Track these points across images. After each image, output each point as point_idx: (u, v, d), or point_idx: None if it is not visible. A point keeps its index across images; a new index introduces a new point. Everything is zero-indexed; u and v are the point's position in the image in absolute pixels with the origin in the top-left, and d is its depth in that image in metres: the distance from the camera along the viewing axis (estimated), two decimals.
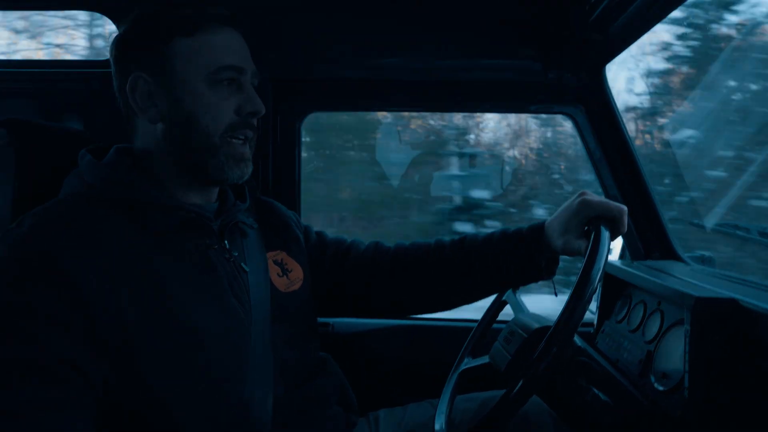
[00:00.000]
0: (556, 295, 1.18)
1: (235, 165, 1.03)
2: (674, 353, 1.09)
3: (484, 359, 1.27)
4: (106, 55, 1.74)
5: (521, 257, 1.19)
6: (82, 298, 0.82)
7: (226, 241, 1.06)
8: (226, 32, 1.03)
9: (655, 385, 1.10)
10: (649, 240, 1.62)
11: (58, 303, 0.81)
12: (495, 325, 1.38)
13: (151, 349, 0.87)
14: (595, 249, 0.96)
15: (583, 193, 1.12)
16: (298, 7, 1.57)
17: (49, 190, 1.03)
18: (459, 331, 1.74)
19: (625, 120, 1.62)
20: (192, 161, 1.02)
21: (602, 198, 1.11)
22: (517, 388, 0.87)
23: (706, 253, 1.58)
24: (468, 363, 1.32)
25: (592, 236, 1.00)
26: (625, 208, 1.09)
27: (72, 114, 1.75)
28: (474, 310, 1.50)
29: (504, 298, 1.35)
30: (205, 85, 1.00)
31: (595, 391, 0.98)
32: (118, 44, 1.04)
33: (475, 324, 1.39)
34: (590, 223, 1.09)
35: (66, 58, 2.03)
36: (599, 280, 0.91)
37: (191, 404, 0.90)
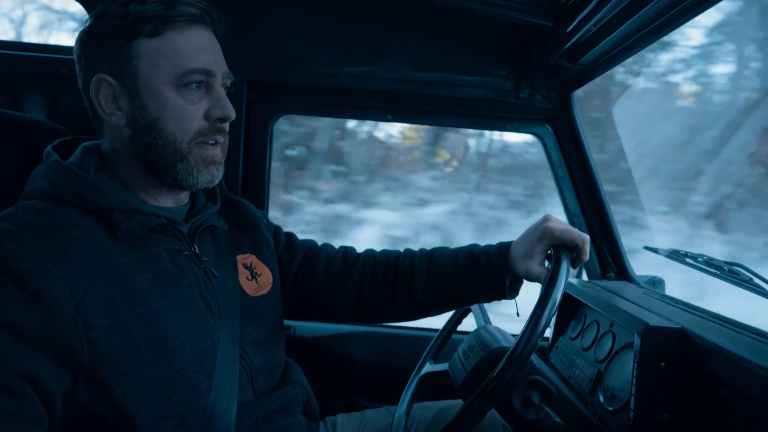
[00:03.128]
0: (518, 315, 1.22)
1: (205, 169, 1.00)
2: (623, 374, 1.15)
3: (444, 366, 1.30)
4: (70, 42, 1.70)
5: (489, 279, 1.21)
6: (47, 308, 0.79)
7: (195, 246, 1.04)
8: (195, 32, 0.97)
9: (604, 404, 1.15)
10: (606, 261, 1.70)
11: (22, 314, 0.78)
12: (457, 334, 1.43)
13: (117, 358, 0.85)
14: (554, 278, 0.98)
15: (547, 219, 1.13)
16: (277, 11, 1.57)
17: (9, 184, 1.00)
18: (420, 339, 1.78)
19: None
20: (159, 167, 0.98)
21: (566, 225, 1.12)
22: (476, 403, 0.91)
23: (657, 277, 1.66)
24: (429, 368, 1.35)
25: (552, 263, 1.03)
26: (587, 237, 1.10)
27: (35, 101, 1.69)
28: (436, 319, 1.53)
29: (468, 306, 1.38)
30: (172, 90, 0.95)
31: (548, 410, 1.02)
32: (82, 40, 0.98)
33: (436, 333, 1.42)
34: (554, 249, 1.11)
35: (31, 41, 1.94)
36: (556, 307, 0.94)
37: (154, 411, 0.89)
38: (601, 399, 1.17)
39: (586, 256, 1.10)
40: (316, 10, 1.58)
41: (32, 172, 0.99)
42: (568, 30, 1.27)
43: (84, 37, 0.97)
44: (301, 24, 1.60)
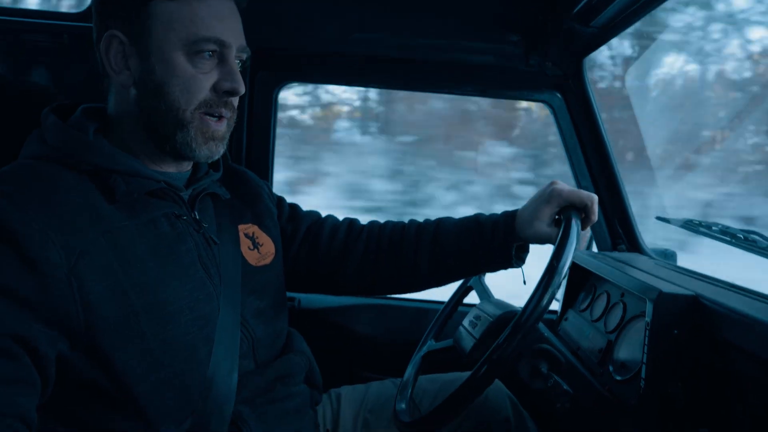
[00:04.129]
0: (525, 283, 1.20)
1: (203, 143, 0.97)
2: (633, 345, 1.13)
3: (448, 342, 1.29)
4: (81, 7, 1.67)
5: (494, 246, 1.19)
6: (42, 271, 0.78)
7: (196, 212, 1.02)
8: (216, 0, 0.95)
9: (614, 374, 1.13)
10: (617, 232, 1.66)
11: (16, 276, 0.76)
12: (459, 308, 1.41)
13: (115, 323, 0.83)
14: (565, 237, 0.97)
15: (554, 183, 1.12)
16: None
17: (10, 150, 0.98)
18: (424, 311, 1.76)
19: None
20: (160, 132, 0.96)
21: (573, 187, 1.11)
22: (482, 371, 0.89)
23: (669, 249, 1.62)
24: (431, 346, 1.34)
25: (563, 225, 1.01)
26: (595, 196, 1.09)
27: (40, 68, 1.67)
28: (440, 291, 1.52)
29: (470, 283, 1.36)
30: (182, 55, 0.92)
31: (556, 378, 1.00)
32: None
33: (441, 306, 1.41)
34: (561, 212, 1.10)
35: (35, 8, 1.92)
36: (567, 268, 0.92)
37: (153, 379, 0.87)
38: (611, 369, 1.15)
39: (595, 216, 1.09)
40: None
41: (30, 134, 0.96)
42: None
43: None
44: None
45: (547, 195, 1.11)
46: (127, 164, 0.93)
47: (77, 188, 0.87)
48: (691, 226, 1.36)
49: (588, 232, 1.71)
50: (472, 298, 1.39)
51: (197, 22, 0.92)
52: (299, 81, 1.77)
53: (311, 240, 1.30)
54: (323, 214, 1.38)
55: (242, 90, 0.98)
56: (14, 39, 1.64)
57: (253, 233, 1.18)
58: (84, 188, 0.88)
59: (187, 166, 1.08)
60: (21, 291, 0.76)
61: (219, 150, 1.01)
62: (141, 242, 0.90)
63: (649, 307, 1.03)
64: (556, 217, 1.12)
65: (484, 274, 1.35)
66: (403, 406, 1.18)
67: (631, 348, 1.13)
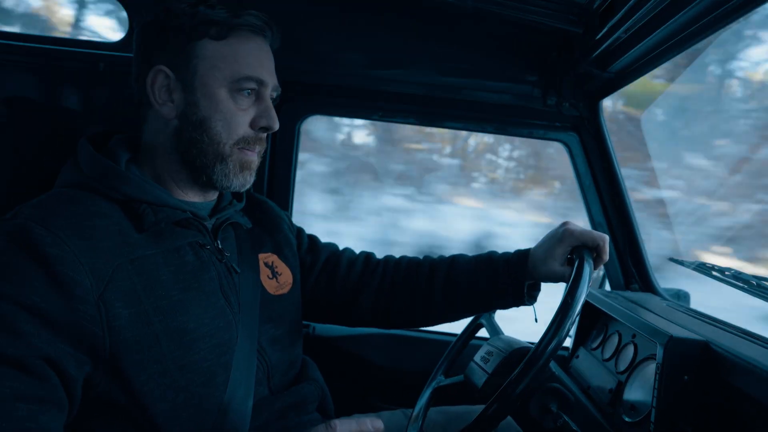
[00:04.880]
0: (536, 321, 1.21)
1: (240, 173, 1.03)
2: (644, 386, 1.13)
3: (458, 378, 1.30)
4: (115, 38, 1.74)
5: (507, 283, 1.21)
6: (71, 294, 0.81)
7: (219, 241, 1.06)
8: (256, 42, 1.03)
9: (623, 416, 1.13)
10: (630, 271, 1.67)
11: (47, 298, 0.80)
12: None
13: (137, 346, 0.87)
14: (578, 276, 0.98)
15: (566, 223, 1.15)
16: (307, 13, 1.59)
17: (44, 169, 1.03)
18: (437, 343, 1.78)
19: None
20: (198, 163, 1.01)
21: (585, 228, 1.14)
22: (495, 406, 0.89)
23: (682, 290, 1.63)
24: (440, 381, 1.35)
25: (576, 264, 1.03)
26: (606, 237, 1.12)
27: (75, 94, 1.74)
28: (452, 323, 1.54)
29: (480, 320, 1.38)
30: (226, 92, 0.99)
31: (566, 418, 1.01)
32: (145, 31, 1.02)
33: (453, 338, 1.42)
34: (573, 252, 1.12)
35: (72, 37, 2.00)
36: (580, 307, 0.94)
37: (171, 402, 0.90)
38: (621, 411, 1.16)
39: (607, 256, 1.12)
40: (346, 12, 1.60)
41: (67, 162, 1.01)
42: (597, 37, 1.26)
43: (149, 28, 1.01)
44: (331, 26, 1.62)
45: (560, 235, 1.14)
46: (156, 195, 0.98)
47: (108, 216, 0.92)
48: (704, 269, 1.37)
49: (600, 270, 1.72)
50: (482, 333, 1.41)
51: (240, 62, 0.99)
52: (322, 114, 1.82)
53: (329, 271, 1.33)
54: (340, 246, 1.42)
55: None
56: (50, 65, 1.72)
57: (272, 262, 1.21)
58: (115, 216, 0.93)
59: (212, 196, 1.13)
60: (51, 313, 0.80)
61: (250, 180, 1.07)
62: (166, 270, 0.94)
63: (659, 351, 1.05)
64: (569, 256, 1.14)
65: (495, 311, 1.37)
66: None
67: (641, 390, 1.14)
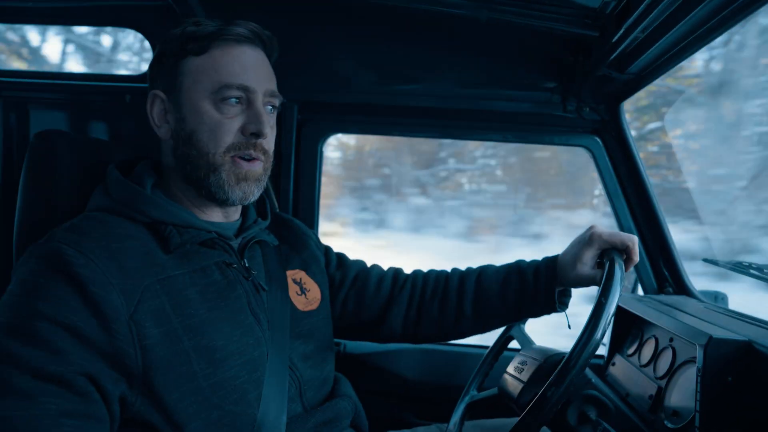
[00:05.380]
0: (569, 327, 1.19)
1: (236, 184, 1.02)
2: (685, 391, 1.10)
3: (491, 392, 1.28)
4: (139, 70, 1.81)
5: (537, 291, 1.20)
6: (104, 314, 0.83)
7: (245, 260, 1.07)
8: (240, 50, 1.02)
9: (665, 422, 1.10)
10: (663, 274, 1.63)
11: (82, 317, 0.82)
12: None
13: (168, 364, 0.88)
14: (610, 277, 0.97)
15: (593, 227, 1.15)
16: (324, 34, 1.62)
17: (75, 195, 1.07)
18: (469, 356, 1.76)
19: None
20: (194, 177, 1.03)
21: (612, 230, 1.13)
22: (534, 412, 0.88)
23: (720, 292, 1.58)
24: (474, 396, 1.33)
25: (606, 266, 1.02)
26: (635, 237, 1.11)
27: (101, 125, 1.80)
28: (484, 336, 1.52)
29: (510, 333, 1.37)
30: (209, 104, 1.00)
31: (605, 425, 0.99)
32: (150, 63, 1.07)
33: (485, 350, 1.41)
34: (603, 255, 1.11)
35: (97, 72, 2.08)
36: (615, 307, 0.92)
37: (205, 419, 0.91)
38: (663, 417, 1.12)
39: (637, 257, 1.10)
40: (362, 31, 1.63)
41: (96, 188, 1.05)
42: (614, 39, 1.26)
43: (153, 60, 1.07)
44: (348, 45, 1.64)
45: (588, 238, 1.13)
46: (181, 216, 1.00)
47: (137, 238, 0.94)
48: (741, 268, 1.33)
49: (632, 274, 1.69)
50: (513, 345, 1.39)
51: (220, 72, 1.00)
52: (342, 132, 1.84)
53: (359, 287, 1.34)
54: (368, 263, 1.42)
55: (265, 131, 1.03)
56: (82, 100, 1.78)
57: (300, 279, 1.22)
58: (143, 238, 0.95)
59: (234, 215, 1.14)
60: (86, 331, 0.82)
61: (253, 191, 1.05)
62: (193, 289, 0.95)
63: (699, 353, 1.02)
64: (598, 260, 1.13)
65: (525, 323, 1.35)
66: None
67: (682, 395, 1.11)
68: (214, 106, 1.00)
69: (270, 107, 1.07)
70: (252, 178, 1.04)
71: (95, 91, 1.77)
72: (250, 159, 1.03)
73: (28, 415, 0.76)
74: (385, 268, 1.41)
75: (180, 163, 1.03)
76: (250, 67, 1.02)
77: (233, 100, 1.01)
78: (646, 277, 1.66)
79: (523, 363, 1.19)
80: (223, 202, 1.05)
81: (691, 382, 1.05)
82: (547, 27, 1.39)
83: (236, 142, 1.01)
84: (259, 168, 1.05)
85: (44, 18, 1.76)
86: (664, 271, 1.63)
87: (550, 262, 1.21)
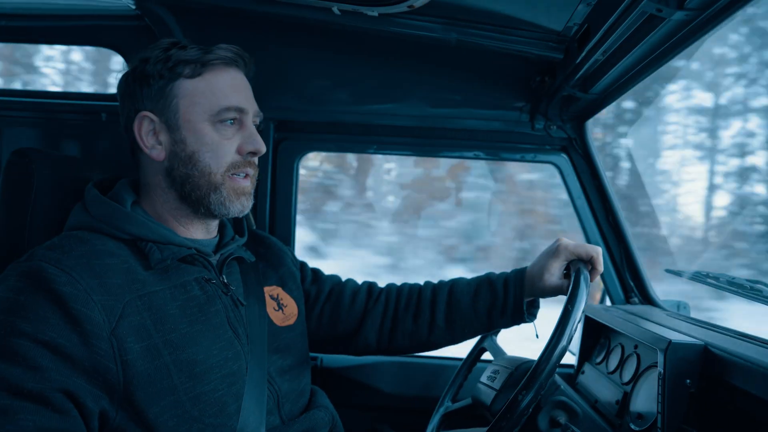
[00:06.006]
0: (537, 336, 1.24)
1: (236, 199, 1.07)
2: (649, 395, 1.15)
3: (465, 402, 1.31)
4: (111, 90, 1.82)
5: (507, 302, 1.25)
6: (85, 330, 0.84)
7: (224, 276, 1.09)
8: (230, 73, 1.07)
9: (631, 425, 1.15)
10: (629, 285, 1.70)
11: (63, 334, 0.83)
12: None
13: (149, 379, 0.89)
14: (576, 285, 1.02)
15: (559, 239, 1.20)
16: (300, 55, 1.67)
17: (50, 212, 1.08)
18: (443, 368, 1.79)
19: None
20: (194, 197, 1.05)
21: (578, 242, 1.19)
22: (505, 417, 0.91)
23: (682, 301, 1.65)
24: (449, 407, 1.36)
25: (573, 276, 1.07)
26: (599, 249, 1.17)
27: (75, 143, 1.81)
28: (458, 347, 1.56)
29: (483, 344, 1.41)
30: (209, 125, 1.04)
31: (574, 429, 1.02)
32: (126, 82, 1.07)
33: (459, 362, 1.44)
34: (569, 266, 1.17)
35: (69, 90, 2.08)
36: (581, 314, 0.97)
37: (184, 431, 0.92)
38: (629, 420, 1.17)
39: (601, 267, 1.16)
40: (337, 52, 1.68)
41: (75, 206, 1.06)
42: (577, 61, 1.32)
43: (129, 79, 1.07)
44: (323, 65, 1.69)
45: (554, 249, 1.19)
46: (160, 233, 1.02)
47: (117, 255, 0.95)
48: (699, 277, 1.40)
49: (600, 286, 1.75)
50: (487, 357, 1.42)
51: (217, 94, 1.04)
52: (318, 150, 1.88)
53: (334, 301, 1.36)
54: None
55: (263, 149, 1.09)
56: (57, 118, 1.78)
57: (277, 295, 1.24)
58: (123, 255, 0.96)
59: (214, 231, 1.16)
60: (67, 348, 0.83)
61: (248, 204, 1.11)
62: (173, 304, 0.97)
63: (660, 358, 1.07)
64: (565, 271, 1.18)
65: (497, 335, 1.40)
66: None
67: (646, 398, 1.16)
68: (213, 127, 1.04)
69: (255, 126, 1.12)
70: (247, 192, 1.10)
71: (69, 110, 1.77)
72: (245, 175, 1.09)
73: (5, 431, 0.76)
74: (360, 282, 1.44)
75: (175, 183, 1.05)
76: (241, 89, 1.08)
77: (229, 121, 1.05)
78: (613, 288, 1.72)
79: (495, 372, 1.22)
80: (223, 216, 1.09)
81: (654, 385, 1.10)
82: (514, 49, 1.46)
83: (235, 161, 1.06)
84: (250, 182, 1.11)
85: (19, 37, 1.76)
86: (630, 282, 1.70)
87: (519, 274, 1.26)
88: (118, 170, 1.18)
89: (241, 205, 1.09)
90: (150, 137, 1.05)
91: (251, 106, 1.09)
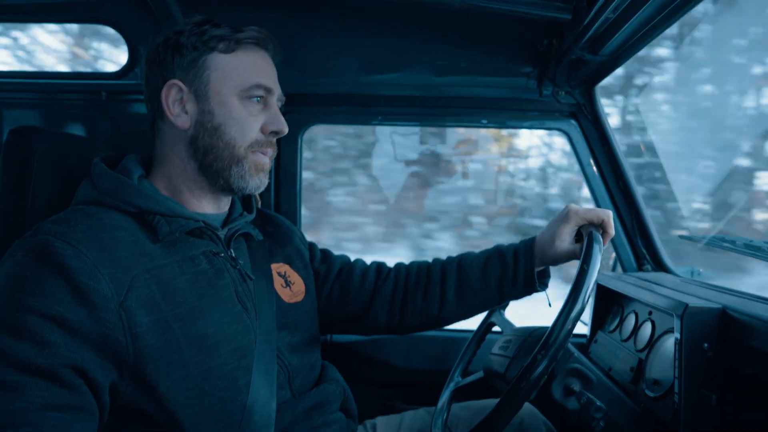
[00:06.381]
0: (550, 305, 1.22)
1: (255, 174, 1.09)
2: (665, 361, 1.13)
3: (476, 376, 1.30)
4: (112, 69, 1.79)
5: (518, 272, 1.24)
6: (93, 303, 0.84)
7: (231, 250, 1.09)
8: (260, 54, 1.10)
9: (647, 391, 1.13)
10: (641, 252, 1.67)
11: (70, 308, 0.82)
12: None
13: (159, 353, 0.89)
14: (590, 247, 1.00)
15: (569, 206, 1.20)
16: (301, 27, 1.63)
17: (62, 194, 1.06)
18: (454, 341, 1.78)
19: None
20: (215, 168, 1.06)
21: (588, 207, 1.18)
22: (523, 381, 0.90)
23: (696, 267, 1.62)
24: (458, 383, 1.35)
25: (586, 238, 1.05)
26: (610, 212, 1.16)
27: (77, 123, 1.79)
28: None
29: (492, 319, 1.39)
30: (237, 100, 1.05)
31: (589, 395, 1.01)
32: (157, 50, 1.07)
33: (470, 334, 1.43)
34: (580, 231, 1.16)
35: (71, 70, 2.05)
36: (596, 275, 0.95)
37: (196, 406, 0.92)
38: (644, 387, 1.15)
39: (612, 231, 1.16)
40: (340, 22, 1.64)
41: (82, 182, 1.05)
42: (586, 21, 1.28)
43: (161, 47, 1.07)
44: (326, 36, 1.65)
45: (564, 215, 1.18)
46: (169, 206, 1.01)
47: (124, 228, 0.95)
48: (715, 242, 1.37)
49: (611, 252, 1.72)
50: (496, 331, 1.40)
51: (249, 72, 1.06)
52: (322, 122, 1.85)
53: (343, 281, 1.36)
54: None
55: (286, 130, 1.11)
56: (57, 98, 1.76)
57: (285, 272, 1.23)
58: (130, 228, 0.96)
59: (224, 207, 1.16)
60: (75, 322, 0.82)
61: (265, 181, 1.12)
62: (182, 278, 0.96)
63: (677, 323, 1.05)
64: (576, 237, 1.17)
65: (505, 309, 1.38)
66: (440, 430, 1.19)
67: (662, 364, 1.14)
68: (241, 102, 1.06)
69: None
70: (266, 169, 1.12)
71: (69, 89, 1.75)
72: (264, 153, 1.10)
73: (12, 408, 0.76)
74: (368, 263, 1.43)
75: (198, 153, 1.06)
76: (270, 70, 1.12)
77: (256, 99, 1.08)
78: (625, 255, 1.70)
79: (507, 342, 1.21)
80: (240, 191, 1.10)
81: (670, 351, 1.08)
82: (520, 11, 1.41)
83: (258, 139, 1.08)
84: (269, 160, 1.13)
85: (16, 15, 1.73)
86: (642, 249, 1.67)
87: (529, 243, 1.25)
88: (119, 150, 1.17)
89: (259, 181, 1.10)
90: (176, 105, 1.05)
91: (277, 88, 1.11)
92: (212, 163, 1.06)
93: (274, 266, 1.20)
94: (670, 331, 1.14)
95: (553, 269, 1.31)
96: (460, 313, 1.33)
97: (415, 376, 1.77)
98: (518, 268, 1.24)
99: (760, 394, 0.95)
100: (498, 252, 1.28)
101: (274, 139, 1.12)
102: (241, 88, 1.06)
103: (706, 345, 1.01)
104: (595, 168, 1.69)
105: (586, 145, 1.69)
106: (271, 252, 1.23)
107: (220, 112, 1.05)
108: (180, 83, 1.05)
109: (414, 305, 1.33)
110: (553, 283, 1.30)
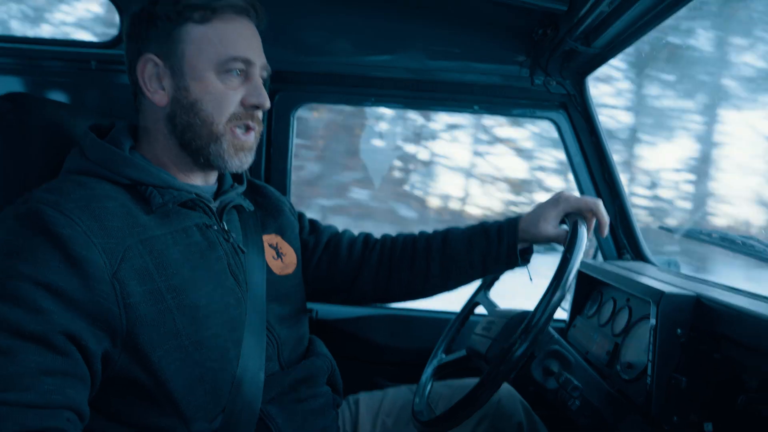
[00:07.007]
0: (531, 279, 1.26)
1: (234, 154, 1.06)
2: (639, 345, 1.18)
3: (459, 354, 1.34)
4: (102, 38, 1.77)
5: (501, 248, 1.26)
6: (86, 273, 0.84)
7: (224, 222, 1.09)
8: (240, 23, 1.04)
9: (621, 374, 1.18)
10: (621, 242, 1.72)
11: (63, 277, 0.82)
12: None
13: (152, 323, 0.90)
14: (575, 236, 1.03)
15: (561, 191, 1.22)
16: (296, 4, 1.63)
17: (53, 161, 1.06)
18: (439, 321, 1.82)
19: None
20: (194, 146, 1.04)
21: (579, 195, 1.21)
22: (503, 361, 0.93)
23: (673, 258, 1.68)
24: (442, 359, 1.39)
25: (572, 226, 1.08)
26: (600, 201, 1.18)
27: (65, 91, 1.76)
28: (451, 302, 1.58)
29: (476, 299, 1.43)
30: (214, 74, 1.01)
31: (567, 375, 1.05)
32: (133, 22, 1.04)
33: (453, 315, 1.46)
34: (568, 217, 1.19)
35: (54, 37, 2.01)
36: (579, 262, 0.99)
37: (187, 376, 0.93)
38: (619, 369, 1.20)
39: (606, 218, 1.18)
40: (336, 2, 1.64)
41: (71, 151, 1.04)
42: (581, 13, 1.30)
43: (136, 19, 1.03)
44: (320, 15, 1.65)
45: (555, 200, 1.20)
46: (161, 178, 1.01)
47: (116, 199, 0.94)
48: (693, 234, 1.42)
49: (593, 241, 1.77)
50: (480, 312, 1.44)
51: (225, 43, 1.01)
52: (316, 102, 1.85)
53: (331, 251, 1.37)
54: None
55: (268, 104, 1.07)
56: (45, 66, 1.74)
57: (276, 243, 1.24)
58: (122, 199, 0.95)
59: (213, 179, 1.16)
60: (68, 291, 0.82)
61: (248, 160, 1.09)
62: (175, 249, 0.97)
63: (653, 309, 1.09)
64: (562, 223, 1.20)
65: (490, 289, 1.41)
66: (422, 407, 1.23)
67: (637, 349, 1.19)
68: (218, 76, 1.02)
69: (262, 80, 1.09)
70: (248, 147, 1.08)
71: (57, 57, 1.72)
72: (247, 129, 1.06)
73: (7, 372, 0.76)
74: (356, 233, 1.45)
75: (177, 130, 1.03)
76: (250, 39, 1.05)
77: (235, 72, 1.03)
78: (606, 244, 1.74)
79: (490, 323, 1.25)
80: (220, 169, 1.08)
81: (645, 336, 1.13)
82: (516, 0, 1.43)
83: (237, 113, 1.04)
84: (253, 138, 1.09)
85: None
86: (623, 238, 1.72)
87: (513, 220, 1.27)
88: (108, 119, 1.15)
89: (240, 161, 1.07)
90: (153, 81, 1.02)
91: (259, 59, 1.06)
92: (191, 141, 1.03)
93: (265, 238, 1.21)
94: (646, 317, 1.19)
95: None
96: (445, 286, 1.35)
97: (399, 355, 1.81)
98: (501, 245, 1.26)
99: (729, 377, 1.01)
100: (483, 228, 1.30)
101: (258, 113, 1.08)
102: (218, 62, 1.01)
103: (679, 331, 1.06)
104: (582, 158, 1.73)
105: (574, 136, 1.72)
106: (262, 223, 1.24)
107: (196, 88, 1.01)
108: (155, 57, 1.01)
109: (399, 278, 1.35)
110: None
